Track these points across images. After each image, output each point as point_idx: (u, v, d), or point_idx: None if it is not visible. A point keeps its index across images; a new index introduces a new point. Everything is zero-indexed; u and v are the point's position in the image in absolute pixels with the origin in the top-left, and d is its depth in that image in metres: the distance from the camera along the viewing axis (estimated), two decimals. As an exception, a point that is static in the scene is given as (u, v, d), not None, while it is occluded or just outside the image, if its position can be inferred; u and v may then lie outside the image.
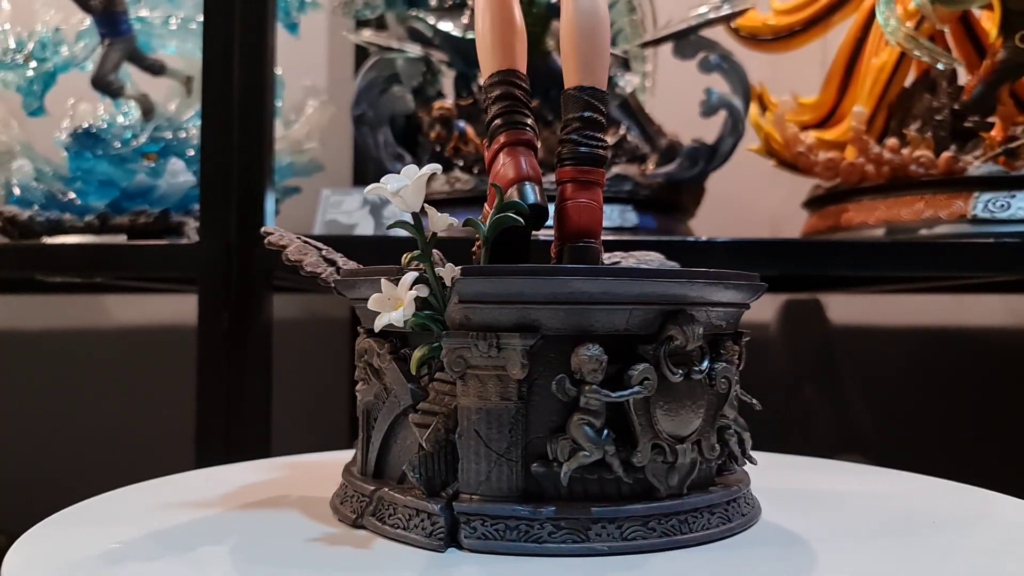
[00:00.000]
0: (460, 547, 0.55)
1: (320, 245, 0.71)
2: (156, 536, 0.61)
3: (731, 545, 0.58)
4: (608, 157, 0.65)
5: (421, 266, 0.58)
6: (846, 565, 0.55)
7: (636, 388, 0.56)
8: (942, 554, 0.57)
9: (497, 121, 0.66)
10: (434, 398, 0.59)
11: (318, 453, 0.92)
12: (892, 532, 0.62)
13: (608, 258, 0.75)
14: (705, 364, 0.59)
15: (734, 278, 0.61)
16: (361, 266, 0.68)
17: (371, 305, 0.58)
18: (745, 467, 0.67)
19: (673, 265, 0.74)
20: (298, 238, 0.71)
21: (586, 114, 0.63)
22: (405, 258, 0.62)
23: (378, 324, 0.58)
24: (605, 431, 0.56)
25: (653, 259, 0.77)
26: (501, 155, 0.65)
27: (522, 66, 0.68)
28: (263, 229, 0.72)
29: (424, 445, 0.58)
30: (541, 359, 0.56)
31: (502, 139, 0.66)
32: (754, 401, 0.65)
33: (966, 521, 0.66)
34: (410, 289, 0.57)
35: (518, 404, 0.56)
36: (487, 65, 0.68)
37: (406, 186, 0.57)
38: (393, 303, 0.58)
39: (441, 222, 0.61)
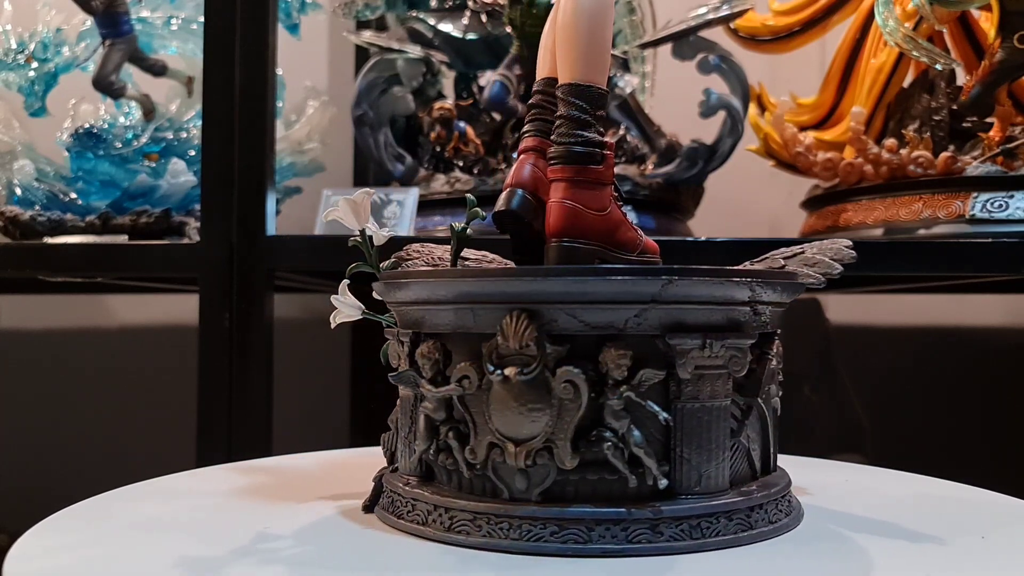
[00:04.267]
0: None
1: (469, 256, 0.72)
2: (154, 535, 0.61)
3: (554, 562, 0.55)
4: (596, 150, 0.63)
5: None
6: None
7: (451, 385, 0.59)
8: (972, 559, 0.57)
9: (523, 128, 0.68)
10: None
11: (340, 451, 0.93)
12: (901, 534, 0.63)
13: (788, 251, 0.71)
14: (532, 367, 0.56)
15: (614, 273, 0.57)
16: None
17: (334, 302, 0.69)
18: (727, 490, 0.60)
19: (850, 254, 0.69)
20: (440, 258, 0.71)
21: (569, 112, 0.63)
22: (349, 269, 0.70)
23: (332, 323, 0.68)
24: (452, 425, 0.60)
25: (838, 245, 0.71)
26: (516, 161, 0.67)
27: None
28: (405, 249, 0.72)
29: (389, 424, 0.67)
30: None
31: (520, 146, 0.68)
32: (663, 415, 0.57)
33: (980, 523, 0.67)
34: (344, 296, 0.68)
35: (416, 393, 0.63)
36: (537, 74, 0.70)
37: (336, 209, 0.66)
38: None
39: (379, 237, 0.68)
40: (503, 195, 0.65)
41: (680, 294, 0.57)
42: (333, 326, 0.68)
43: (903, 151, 1.27)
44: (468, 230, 0.68)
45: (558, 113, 0.64)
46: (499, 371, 0.57)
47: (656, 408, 0.57)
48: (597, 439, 0.57)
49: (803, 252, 0.70)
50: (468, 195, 0.68)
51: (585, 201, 0.62)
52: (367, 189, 0.67)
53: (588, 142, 0.62)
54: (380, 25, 1.57)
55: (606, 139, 0.64)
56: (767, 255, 0.72)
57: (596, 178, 0.63)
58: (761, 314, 0.62)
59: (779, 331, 0.67)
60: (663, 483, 0.57)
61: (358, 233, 0.67)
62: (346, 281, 0.68)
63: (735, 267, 0.67)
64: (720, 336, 0.58)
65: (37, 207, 1.36)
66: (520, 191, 0.65)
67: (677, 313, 0.58)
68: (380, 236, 0.67)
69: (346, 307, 0.68)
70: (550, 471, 0.57)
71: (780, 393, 0.68)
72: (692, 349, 0.57)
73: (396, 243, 0.72)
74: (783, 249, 0.71)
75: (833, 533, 0.62)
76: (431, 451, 0.62)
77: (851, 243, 0.70)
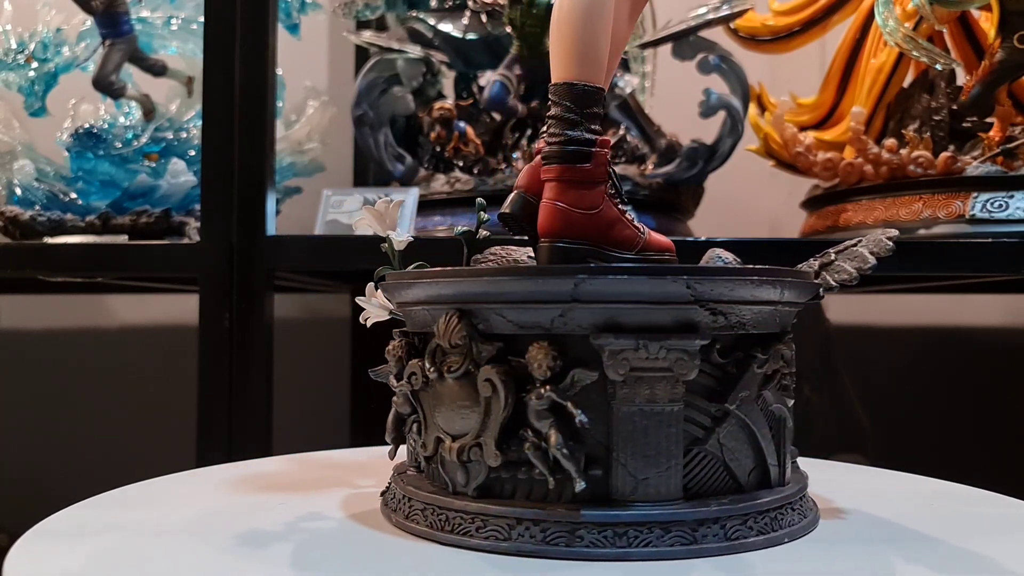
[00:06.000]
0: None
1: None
2: (155, 535, 0.61)
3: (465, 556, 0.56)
4: (583, 149, 0.63)
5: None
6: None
7: (404, 381, 0.63)
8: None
9: (542, 130, 0.69)
10: None
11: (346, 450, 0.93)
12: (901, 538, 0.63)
13: (843, 245, 0.69)
14: (458, 365, 0.58)
15: (526, 273, 0.57)
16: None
17: (361, 303, 0.71)
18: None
19: (887, 246, 0.65)
20: (516, 260, 0.73)
21: (556, 112, 0.63)
22: (377, 273, 0.72)
23: (367, 324, 0.71)
24: (415, 419, 0.64)
25: (879, 236, 0.68)
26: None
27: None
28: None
29: None
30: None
31: (536, 147, 0.69)
32: (580, 418, 0.55)
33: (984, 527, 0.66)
34: (372, 297, 0.71)
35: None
36: None
37: (362, 218, 0.70)
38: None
39: (400, 244, 0.70)
40: (508, 197, 0.67)
41: (600, 292, 0.55)
42: (369, 325, 0.71)
43: (903, 151, 1.27)
44: (482, 232, 0.69)
45: (547, 113, 0.64)
46: (432, 368, 0.60)
47: (574, 410, 0.55)
48: (521, 438, 0.57)
49: (855, 244, 0.68)
50: (479, 199, 0.69)
51: (573, 200, 0.62)
52: (387, 198, 0.70)
53: (573, 141, 0.62)
54: (380, 25, 1.57)
55: (598, 137, 0.63)
56: (825, 251, 0.69)
57: (585, 177, 0.63)
58: (724, 314, 0.58)
59: (785, 333, 0.63)
60: (579, 486, 0.55)
61: (365, 235, 0.71)
62: (371, 284, 0.70)
63: (675, 264, 0.66)
64: (659, 337, 0.55)
65: (37, 207, 1.36)
66: (522, 193, 0.66)
67: (609, 312, 0.56)
68: (400, 241, 0.70)
69: (374, 308, 0.70)
70: (483, 467, 0.59)
71: (789, 401, 0.64)
72: (624, 350, 0.55)
73: (419, 245, 0.73)
74: (844, 243, 0.69)
75: (804, 552, 0.57)
76: (412, 444, 0.66)
77: (896, 232, 0.66)
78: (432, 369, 0.60)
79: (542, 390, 0.55)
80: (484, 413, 0.58)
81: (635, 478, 0.56)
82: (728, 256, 0.72)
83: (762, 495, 0.60)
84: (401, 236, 0.69)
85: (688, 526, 0.56)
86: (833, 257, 0.68)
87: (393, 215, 0.69)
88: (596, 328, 0.56)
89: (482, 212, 0.68)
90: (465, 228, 0.69)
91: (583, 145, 0.62)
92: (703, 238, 1.25)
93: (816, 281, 0.64)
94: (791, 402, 0.64)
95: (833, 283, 0.66)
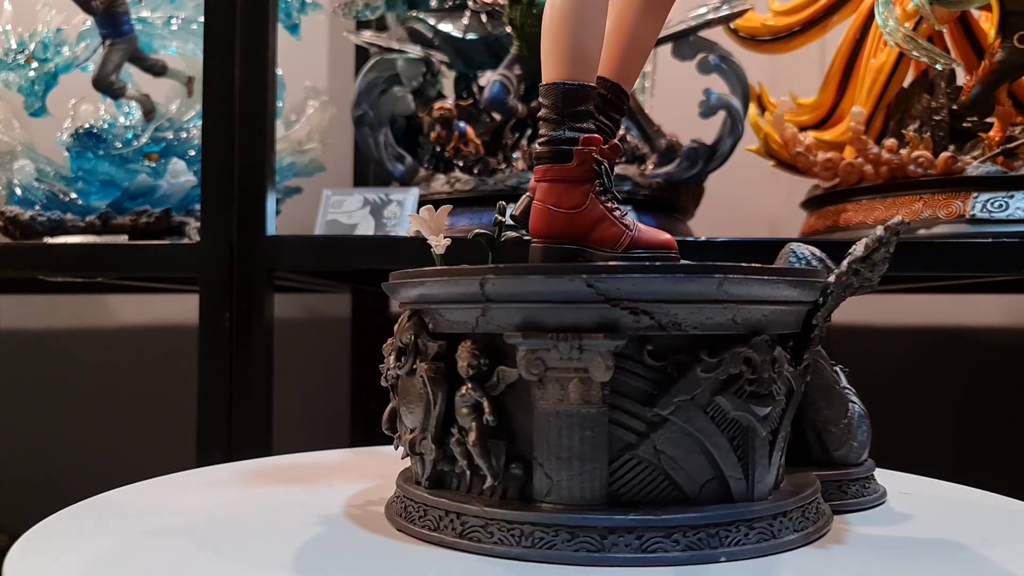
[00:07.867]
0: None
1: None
2: (155, 535, 0.61)
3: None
4: (562, 148, 0.63)
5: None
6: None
7: (383, 376, 0.66)
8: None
9: None
10: None
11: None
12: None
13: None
14: (403, 362, 0.61)
15: (441, 274, 0.58)
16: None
17: None
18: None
19: (876, 236, 0.61)
20: None
21: (541, 113, 0.64)
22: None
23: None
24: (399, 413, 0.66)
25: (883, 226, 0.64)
26: None
27: (610, 75, 0.69)
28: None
29: None
30: None
31: None
32: (487, 417, 0.56)
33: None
34: None
35: None
36: None
37: (412, 224, 0.71)
38: None
39: (440, 248, 0.70)
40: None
41: (504, 293, 0.55)
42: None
43: (903, 151, 1.27)
44: (507, 233, 0.69)
45: (538, 114, 0.65)
46: (395, 365, 0.62)
47: (487, 407, 0.56)
48: (449, 437, 0.59)
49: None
50: (500, 202, 0.69)
51: (556, 200, 0.63)
52: (428, 207, 0.70)
53: (555, 141, 0.63)
54: (380, 25, 1.57)
55: (581, 135, 0.62)
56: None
57: (567, 176, 0.63)
58: (648, 313, 0.54)
59: (754, 335, 0.57)
60: (488, 483, 0.57)
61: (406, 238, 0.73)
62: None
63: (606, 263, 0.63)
64: (571, 337, 0.54)
65: (37, 207, 1.36)
66: (530, 196, 0.67)
67: (526, 312, 0.55)
68: (441, 245, 0.70)
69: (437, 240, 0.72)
70: (431, 461, 0.61)
71: (763, 410, 0.57)
72: (537, 349, 0.54)
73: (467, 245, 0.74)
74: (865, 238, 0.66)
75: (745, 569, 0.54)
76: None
77: (899, 219, 0.61)
78: (394, 366, 0.63)
79: (463, 388, 0.57)
80: (425, 409, 0.60)
81: (551, 479, 0.56)
82: (806, 251, 0.69)
83: (708, 509, 0.55)
84: (440, 240, 0.70)
85: (597, 532, 0.53)
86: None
87: (439, 220, 0.70)
88: (514, 327, 0.56)
89: (499, 215, 0.69)
90: (482, 230, 0.69)
91: (565, 144, 0.63)
92: (703, 238, 1.25)
93: (790, 278, 0.58)
94: (765, 411, 0.57)
95: (830, 280, 0.62)
